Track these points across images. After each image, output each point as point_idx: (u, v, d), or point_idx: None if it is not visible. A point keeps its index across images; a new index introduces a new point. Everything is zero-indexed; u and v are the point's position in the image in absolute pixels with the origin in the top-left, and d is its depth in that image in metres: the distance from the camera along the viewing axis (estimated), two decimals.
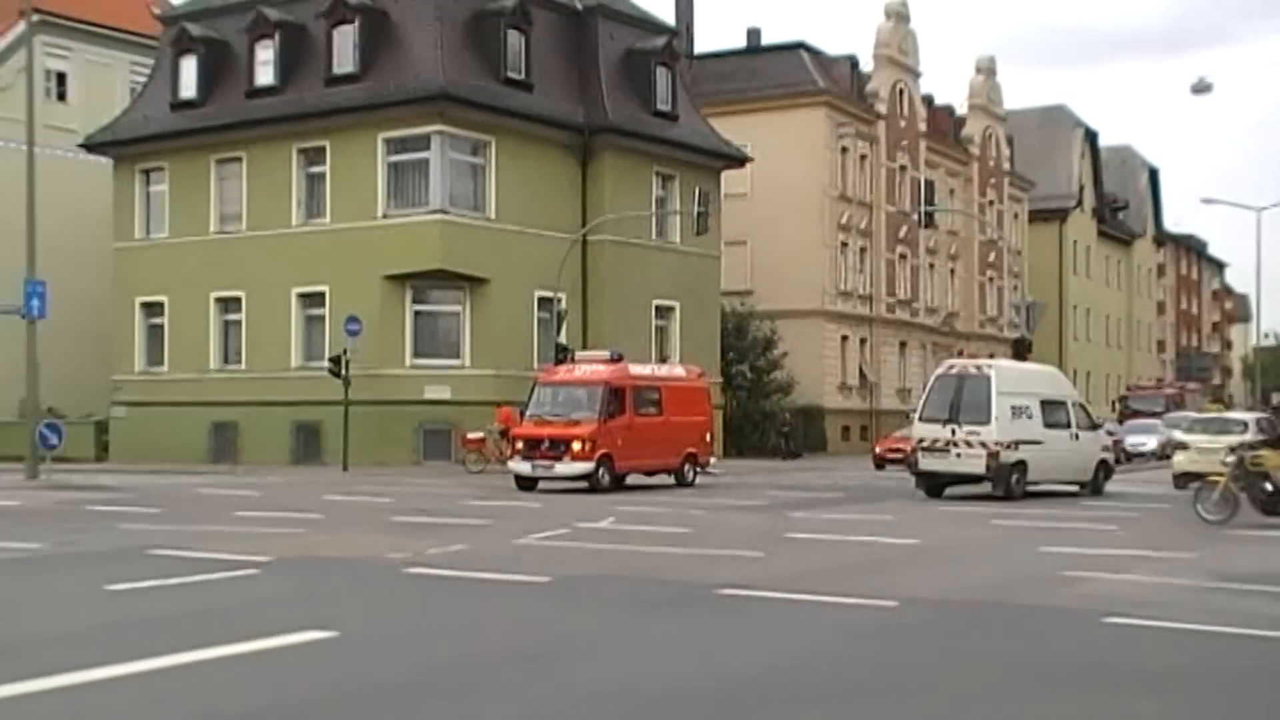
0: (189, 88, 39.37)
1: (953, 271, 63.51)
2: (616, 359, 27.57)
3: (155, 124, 39.78)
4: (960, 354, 62.62)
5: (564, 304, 36.80)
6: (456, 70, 35.89)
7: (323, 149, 37.18)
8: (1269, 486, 17.14)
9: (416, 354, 36.07)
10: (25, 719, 6.39)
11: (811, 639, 8.83)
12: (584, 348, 38.11)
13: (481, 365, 36.16)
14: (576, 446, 25.09)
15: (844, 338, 53.58)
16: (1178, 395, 61.87)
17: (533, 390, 28.06)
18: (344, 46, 36.95)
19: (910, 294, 58.74)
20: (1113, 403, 63.08)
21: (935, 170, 59.70)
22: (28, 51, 31.40)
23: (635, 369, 27.90)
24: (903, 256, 58.18)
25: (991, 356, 64.90)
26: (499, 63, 37.13)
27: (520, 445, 26.01)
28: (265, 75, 38.15)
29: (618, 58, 40.93)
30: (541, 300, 37.20)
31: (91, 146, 40.78)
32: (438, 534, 15.87)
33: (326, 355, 34.30)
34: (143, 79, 42.82)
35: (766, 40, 57.35)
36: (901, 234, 57.36)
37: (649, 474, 27.32)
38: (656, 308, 41.06)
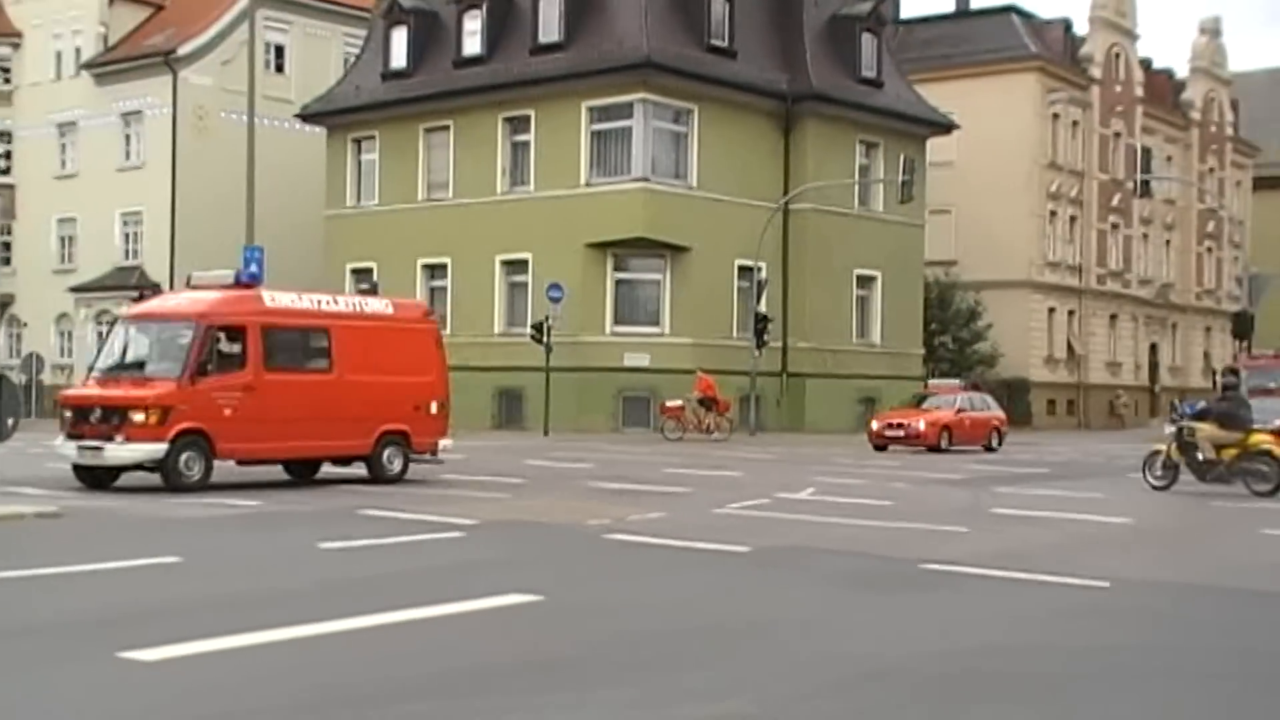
0: (399, 58, 40.30)
1: (1168, 242, 61.17)
2: (244, 284, 18.36)
3: (366, 94, 40.82)
4: (1174, 327, 60.39)
5: (764, 273, 36.61)
6: (660, 38, 35.88)
7: (528, 118, 37.65)
8: (1200, 456, 18.62)
9: (617, 321, 36.34)
10: (240, 671, 6.56)
11: (1020, 618, 8.55)
12: (784, 318, 37.89)
13: (681, 333, 36.23)
14: (139, 418, 16.21)
15: (1051, 309, 52.10)
16: None
17: (108, 332, 20.50)
18: (549, 16, 37.32)
19: (1122, 265, 56.79)
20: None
21: (1152, 136, 57.53)
22: (250, 25, 32.45)
23: (278, 298, 18.28)
24: (1115, 226, 56.26)
25: (1208, 331, 62.73)
26: (703, 30, 37.02)
27: (68, 416, 16.96)
28: (472, 45, 38.80)
29: (822, 24, 40.41)
30: (742, 269, 37.07)
31: (307, 117, 42.08)
32: (637, 501, 15.92)
33: (529, 322, 34.82)
34: (355, 50, 44.03)
35: (976, 4, 55.90)
36: (1114, 203, 55.45)
37: (315, 461, 19.03)
38: (858, 277, 40.54)
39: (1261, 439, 18.53)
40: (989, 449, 30.97)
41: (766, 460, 25.51)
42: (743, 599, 9.20)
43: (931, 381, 35.91)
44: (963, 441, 30.50)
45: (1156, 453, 19.36)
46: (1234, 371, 21.87)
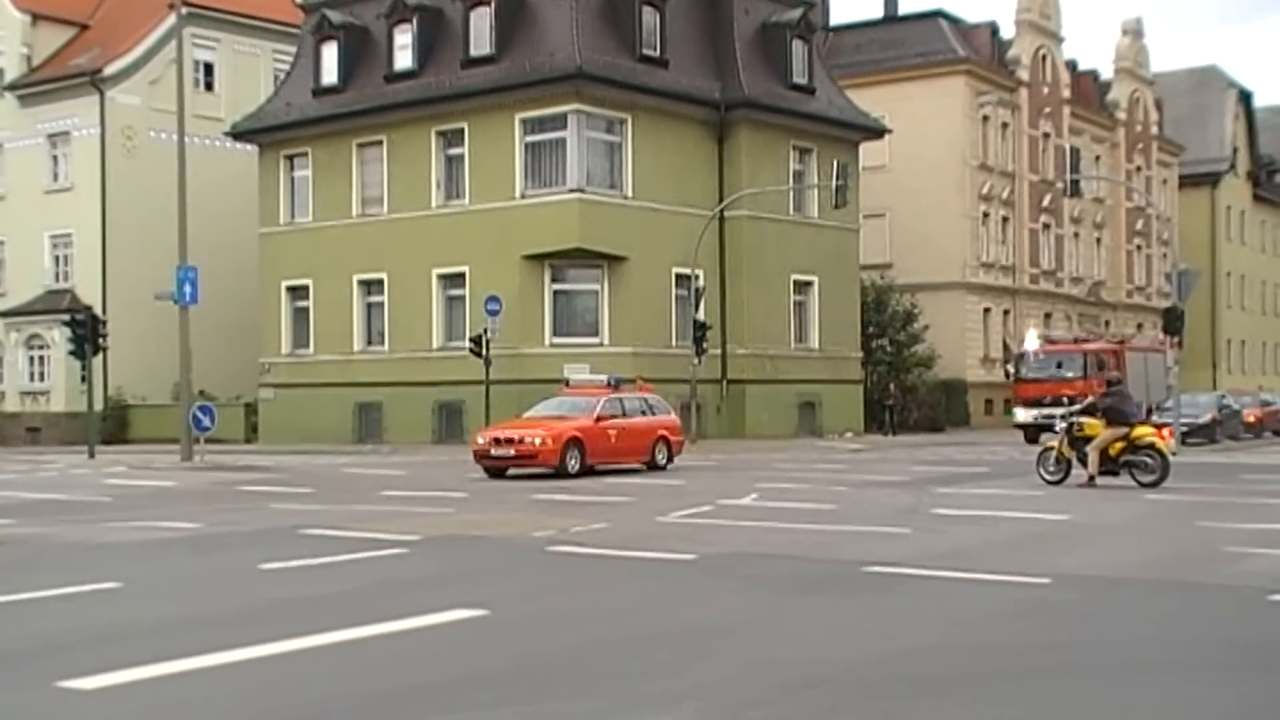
0: (330, 74, 40.09)
1: (1099, 240, 62.01)
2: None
3: (298, 110, 40.55)
4: (1107, 324, 61.27)
5: (702, 281, 36.69)
6: (592, 49, 35.92)
7: (461, 131, 37.55)
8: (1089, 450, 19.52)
9: (556, 333, 36.30)
10: (181, 696, 6.49)
11: (962, 617, 8.62)
12: (723, 325, 38.13)
13: (620, 343, 36.24)
14: None
15: (986, 310, 52.65)
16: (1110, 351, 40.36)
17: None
18: (481, 28, 37.27)
19: (1055, 264, 57.49)
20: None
21: (1080, 137, 58.31)
22: (178, 44, 32.20)
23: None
24: (1046, 226, 56.96)
25: (1139, 328, 63.60)
26: (634, 40, 37.12)
27: None
28: (404, 59, 38.66)
29: (753, 32, 40.62)
30: (679, 277, 37.15)
31: (238, 135, 41.75)
32: (580, 512, 15.91)
33: (467, 335, 34.71)
34: (285, 67, 43.73)
35: (904, 9, 56.52)
36: (1045, 203, 56.14)
37: None
38: (795, 283, 40.75)
39: (1145, 433, 19.55)
40: (653, 466, 24.50)
41: (708, 467, 25.57)
42: (688, 607, 9.21)
43: (572, 377, 28.34)
44: (609, 458, 23.80)
45: (1049, 449, 20.18)
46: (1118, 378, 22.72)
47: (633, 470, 24.01)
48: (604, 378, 26.04)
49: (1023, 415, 37.42)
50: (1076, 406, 20.91)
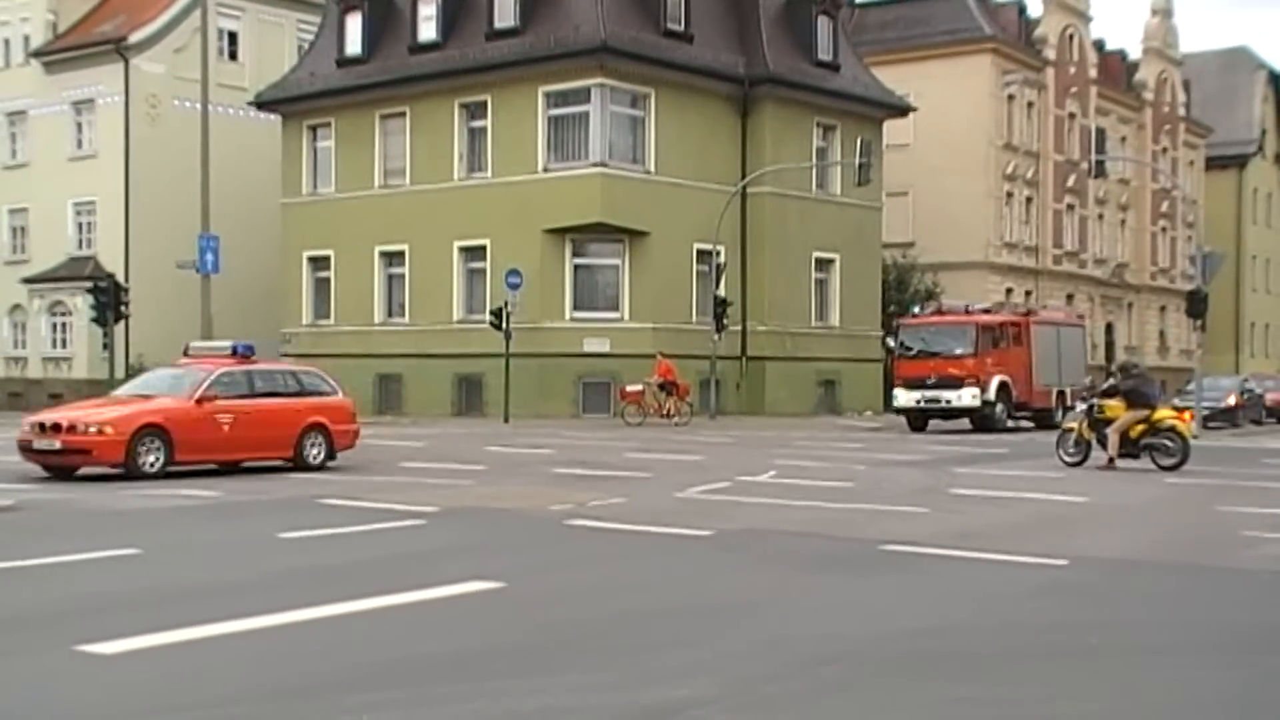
0: (354, 44, 40.03)
1: (1123, 222, 61.61)
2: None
3: (322, 81, 40.53)
4: (1130, 307, 60.94)
5: (723, 257, 36.63)
6: (616, 22, 35.79)
7: (484, 103, 37.48)
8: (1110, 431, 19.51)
9: (576, 307, 36.27)
10: (199, 663, 6.52)
11: (979, 597, 8.61)
12: (743, 302, 38.04)
13: (640, 318, 36.22)
14: None
15: (1009, 290, 52.29)
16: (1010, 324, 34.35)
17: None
18: (505, 1, 37.16)
19: (1078, 245, 57.16)
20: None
21: (1106, 117, 57.89)
22: (202, 12, 32.19)
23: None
24: (1070, 207, 56.60)
25: (1163, 310, 63.26)
26: (659, 14, 36.96)
27: None
28: (428, 31, 38.58)
29: (779, 7, 40.43)
30: (700, 253, 37.08)
31: (261, 104, 41.76)
32: (598, 486, 15.93)
33: (488, 308, 34.71)
34: (310, 37, 43.68)
35: None
36: (1070, 183, 55.78)
37: None
38: (817, 260, 40.63)
39: (1166, 415, 19.49)
40: (302, 465, 18.61)
41: (727, 444, 25.56)
42: (705, 582, 9.22)
43: (193, 344, 21.19)
44: (218, 453, 18.05)
45: (1068, 431, 20.21)
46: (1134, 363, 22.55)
47: (273, 469, 18.58)
48: (228, 345, 19.67)
49: (903, 398, 32.24)
50: (1098, 389, 20.71)
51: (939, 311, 33.56)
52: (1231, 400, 36.24)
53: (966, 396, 31.23)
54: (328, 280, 40.83)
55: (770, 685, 6.15)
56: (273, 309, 41.66)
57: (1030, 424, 33.53)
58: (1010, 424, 32.71)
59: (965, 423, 32.18)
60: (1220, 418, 34.66)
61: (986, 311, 33.49)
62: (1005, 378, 31.80)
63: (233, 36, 45.45)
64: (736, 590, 8.89)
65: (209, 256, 29.73)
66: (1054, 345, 34.16)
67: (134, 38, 43.22)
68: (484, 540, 11.42)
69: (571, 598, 8.49)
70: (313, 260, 41.12)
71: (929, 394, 31.61)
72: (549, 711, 5.65)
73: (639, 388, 32.95)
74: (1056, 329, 35.27)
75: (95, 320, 33.29)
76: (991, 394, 31.37)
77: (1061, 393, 33.99)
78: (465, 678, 6.22)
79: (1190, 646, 7.14)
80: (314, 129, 41.18)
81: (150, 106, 43.14)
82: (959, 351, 31.62)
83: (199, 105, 30.58)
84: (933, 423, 32.48)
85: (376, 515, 12.55)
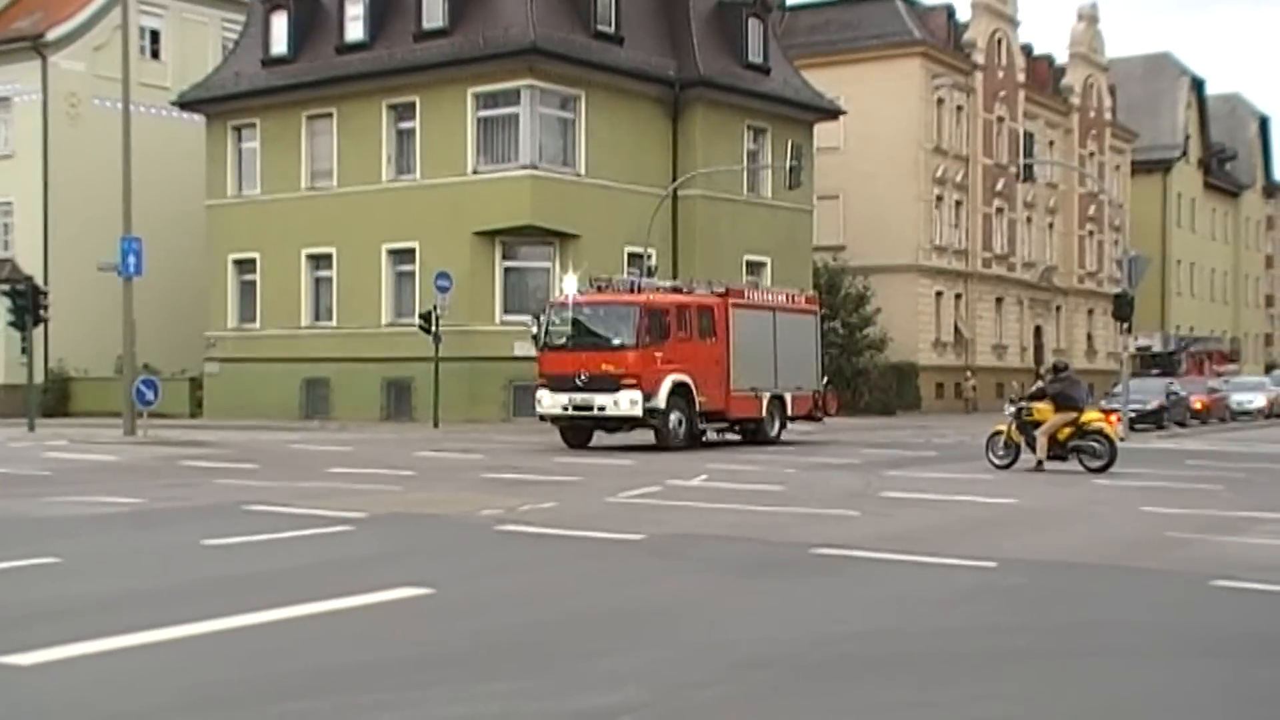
0: (280, 44, 39.61)
1: (1051, 225, 62.40)
2: None
3: (247, 81, 40.06)
4: (1058, 310, 61.69)
5: (654, 260, 36.58)
6: (546, 24, 35.67)
7: (413, 104, 37.22)
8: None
9: (506, 310, 36.09)
10: (120, 673, 6.37)
11: (909, 600, 8.62)
12: None
13: None
14: None
15: (939, 293, 52.86)
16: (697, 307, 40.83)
17: None
18: (433, 1, 36.90)
19: (1007, 249, 57.79)
20: None
21: (1034, 121, 58.63)
22: (123, 9, 31.68)
23: None
24: (999, 210, 57.24)
25: (1090, 313, 64.13)
26: (589, 15, 36.88)
27: None
28: (355, 31, 38.25)
29: (709, 10, 40.50)
30: (631, 256, 37.02)
31: (184, 104, 41.21)
32: (529, 491, 15.82)
33: (417, 312, 34.46)
34: (234, 36, 43.19)
35: None
36: (999, 187, 56.40)
37: None
38: (748, 263, 40.73)
39: (1093, 418, 19.85)
40: None
41: (658, 448, 25.51)
42: (635, 587, 9.16)
43: None
44: None
45: (998, 433, 20.19)
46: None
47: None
48: None
49: (548, 402, 25.13)
50: (1026, 394, 20.93)
51: (601, 289, 26.17)
52: (1156, 403, 36.76)
53: (625, 402, 23.96)
54: (253, 283, 40.34)
55: (701, 691, 6.11)
56: (197, 313, 41.13)
57: (737, 437, 27.52)
58: (711, 437, 27.11)
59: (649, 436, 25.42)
60: (1146, 419, 35.15)
61: (678, 291, 26.87)
62: (685, 377, 24.61)
63: (155, 35, 44.84)
64: (667, 595, 8.83)
65: (131, 259, 29.26)
66: (767, 337, 27.22)
67: (52, 35, 42.48)
68: (413, 546, 11.29)
69: (501, 604, 8.40)
70: (238, 263, 40.61)
71: (579, 397, 24.46)
72: (479, 719, 5.56)
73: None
74: (772, 315, 27.87)
75: (13, 324, 32.68)
76: (661, 399, 24.14)
77: (779, 398, 27.51)
78: (393, 686, 6.12)
79: (1117, 648, 7.18)
80: (239, 130, 40.70)
81: (69, 105, 42.44)
82: (618, 342, 24.38)
83: (120, 104, 30.09)
84: (612, 437, 26.13)
85: (303, 521, 12.37)
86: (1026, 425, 19.68)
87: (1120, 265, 37.22)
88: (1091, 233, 65.91)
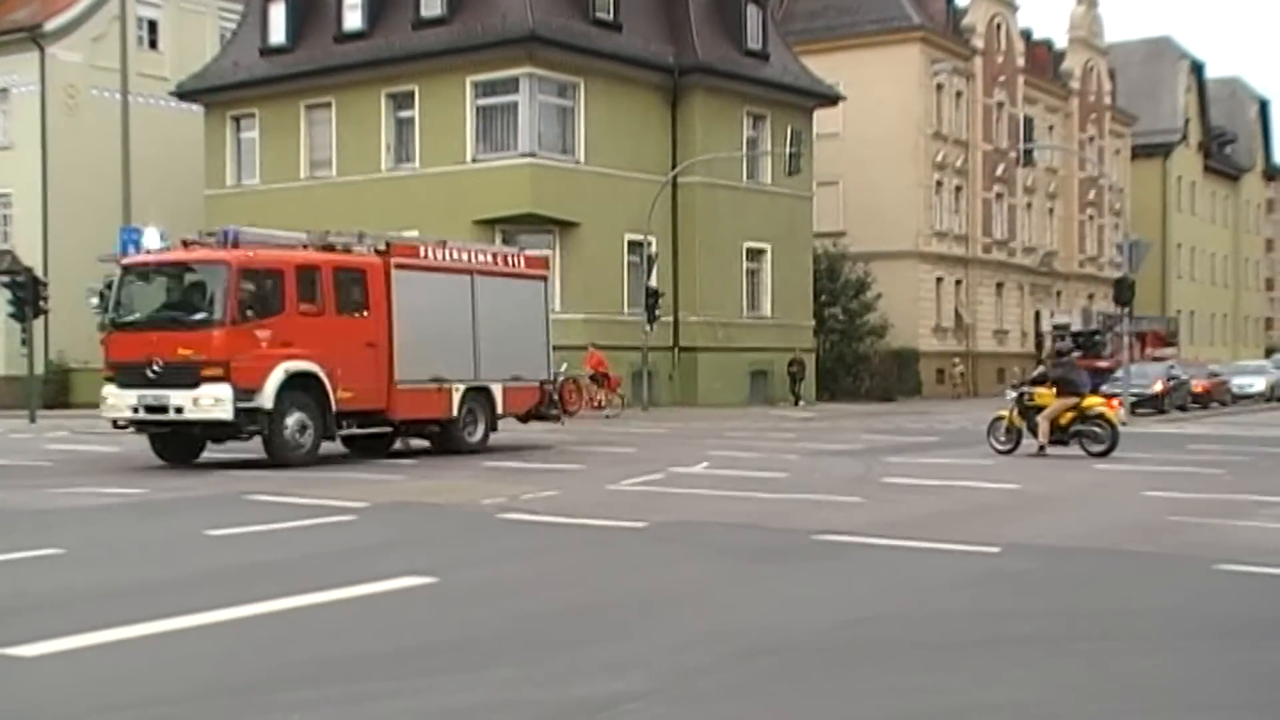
0: (278, 33, 39.56)
1: (1051, 210, 62.34)
2: None
3: (245, 70, 40.01)
4: (1059, 295, 61.65)
5: (654, 247, 36.57)
6: (545, 11, 35.62)
7: (411, 93, 37.17)
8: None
9: None
10: (125, 664, 6.37)
11: (912, 586, 8.63)
12: (675, 293, 38.03)
13: (571, 309, 36.04)
14: None
15: (939, 279, 52.83)
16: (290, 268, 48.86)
17: None
18: None
19: (1007, 234, 57.75)
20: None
21: (1034, 106, 58.53)
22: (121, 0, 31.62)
23: None
24: (999, 195, 57.17)
25: (1091, 298, 64.06)
26: (587, 3, 36.86)
27: None
28: (353, 20, 38.19)
29: None
30: (631, 243, 37.02)
31: (183, 94, 41.15)
32: (531, 479, 15.83)
33: None
34: (232, 26, 43.10)
35: None
36: (998, 172, 56.33)
37: None
38: (748, 250, 40.71)
39: (1095, 403, 19.81)
40: None
41: (659, 435, 25.53)
42: (638, 575, 9.16)
43: None
44: None
45: (999, 418, 20.18)
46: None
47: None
48: None
49: (114, 400, 18.32)
50: (1027, 378, 20.86)
51: (188, 244, 19.07)
52: (1158, 387, 36.74)
53: (206, 400, 17.31)
54: None
55: (704, 678, 6.11)
56: None
57: (425, 442, 20.96)
58: (395, 442, 20.59)
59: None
60: (1147, 404, 35.13)
61: (326, 248, 19.27)
62: (311, 365, 18.06)
63: (153, 25, 44.71)
64: (670, 583, 8.84)
65: (131, 250, 29.20)
66: (459, 310, 20.44)
67: (49, 25, 42.37)
68: (416, 535, 11.30)
69: (504, 592, 8.40)
70: None
71: (152, 394, 17.69)
72: (482, 708, 5.57)
73: (570, 379, 32.82)
74: (468, 281, 20.62)
75: (13, 316, 32.62)
76: (267, 396, 17.50)
77: (481, 392, 20.67)
78: (397, 674, 6.12)
79: (1120, 633, 7.19)
80: (238, 119, 40.66)
81: (68, 96, 42.35)
82: (199, 317, 17.62)
83: (119, 95, 30.07)
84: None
85: (306, 511, 12.38)
86: (1028, 410, 19.69)
87: (1121, 250, 37.21)
88: (1092, 217, 65.86)
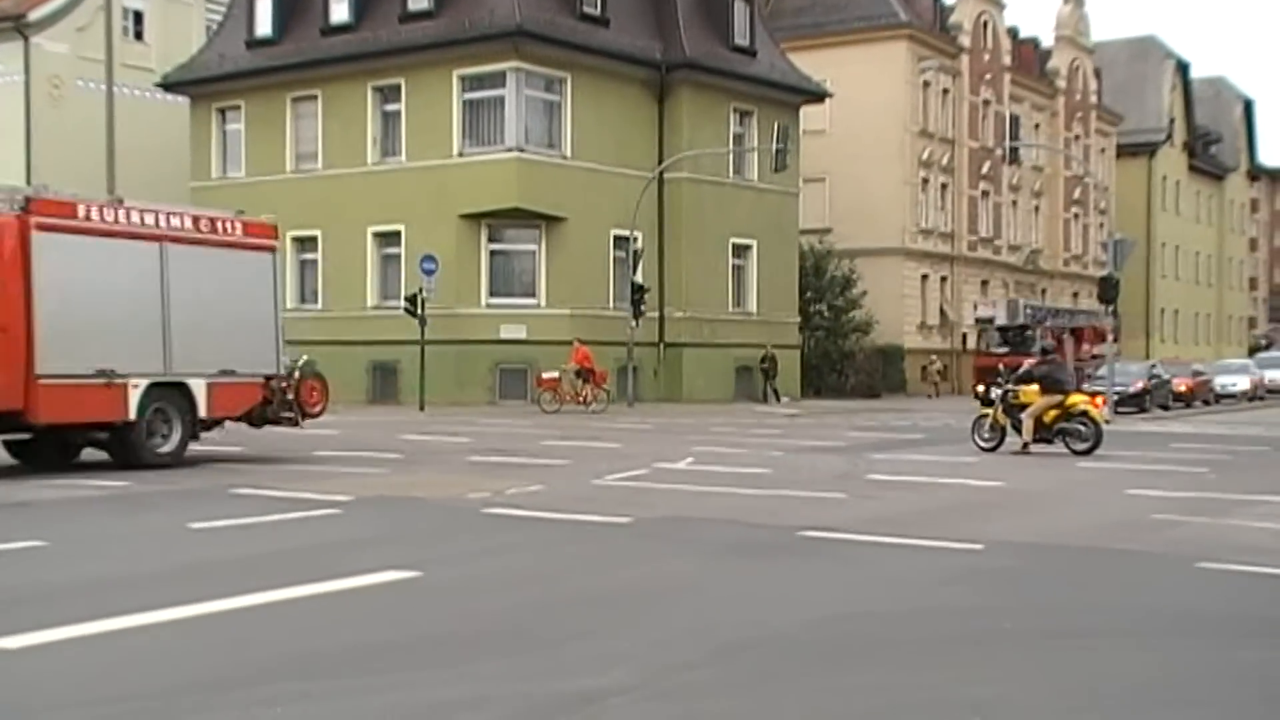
0: (264, 25, 39.45)
1: (1037, 208, 62.50)
2: None
3: (231, 63, 39.89)
4: (1044, 293, 61.84)
5: (640, 243, 36.57)
6: (532, 6, 35.57)
7: (398, 87, 37.10)
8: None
9: (492, 293, 36.06)
10: (107, 657, 6.36)
11: (896, 583, 8.65)
12: (661, 288, 38.04)
13: (557, 305, 36.09)
14: None
15: (924, 276, 52.92)
16: None
17: None
18: None
19: (993, 231, 57.87)
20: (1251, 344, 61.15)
21: (1020, 104, 58.65)
22: None
23: None
24: (985, 193, 57.29)
25: (1075, 296, 64.23)
26: None
27: None
28: (340, 12, 38.10)
29: None
30: (618, 239, 37.01)
31: (168, 86, 41.02)
32: (516, 474, 15.82)
33: (402, 295, 34.39)
34: (218, 17, 42.95)
35: None
36: (984, 170, 56.45)
37: None
38: (734, 246, 40.72)
39: (1079, 401, 19.88)
40: None
41: (644, 430, 25.55)
42: (623, 570, 9.17)
43: None
44: None
45: (984, 416, 20.28)
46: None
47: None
48: None
49: None
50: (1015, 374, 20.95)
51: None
52: (1139, 385, 36.83)
53: None
54: None
55: (689, 673, 6.12)
56: None
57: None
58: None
59: None
60: (1128, 403, 35.23)
61: None
62: None
63: (138, 16, 44.51)
64: (655, 578, 8.85)
65: None
66: (143, 286, 16.57)
67: (34, 15, 42.14)
68: (400, 529, 11.29)
69: (489, 587, 8.40)
70: None
71: None
72: (466, 702, 5.56)
73: (556, 374, 32.85)
74: (156, 250, 16.74)
75: None
76: None
77: (176, 389, 16.82)
78: (381, 668, 6.12)
79: (1102, 630, 7.21)
80: (223, 112, 40.55)
81: (53, 87, 42.15)
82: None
83: (104, 86, 29.93)
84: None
85: (290, 505, 12.36)
86: (1012, 408, 19.75)
87: (1105, 248, 37.30)
88: (1077, 215, 66.03)
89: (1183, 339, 75.55)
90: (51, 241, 15.45)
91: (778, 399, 39.57)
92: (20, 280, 15.13)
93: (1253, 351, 57.25)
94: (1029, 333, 36.57)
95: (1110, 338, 34.46)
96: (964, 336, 35.82)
